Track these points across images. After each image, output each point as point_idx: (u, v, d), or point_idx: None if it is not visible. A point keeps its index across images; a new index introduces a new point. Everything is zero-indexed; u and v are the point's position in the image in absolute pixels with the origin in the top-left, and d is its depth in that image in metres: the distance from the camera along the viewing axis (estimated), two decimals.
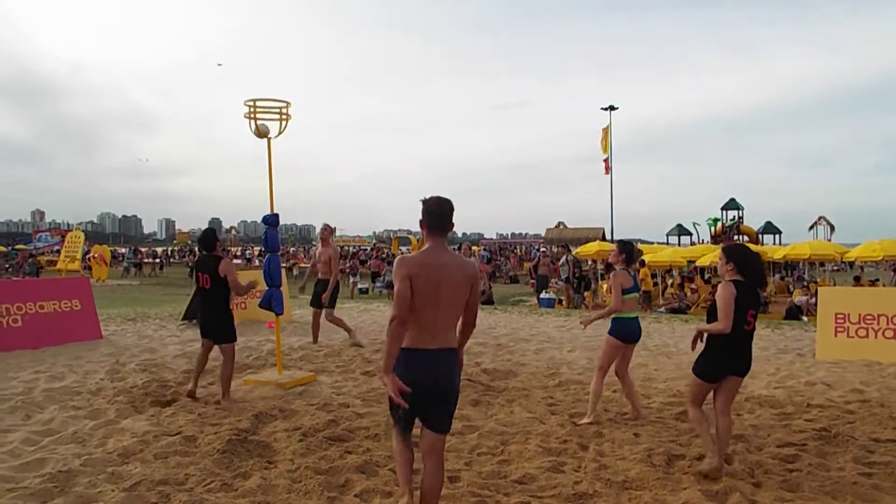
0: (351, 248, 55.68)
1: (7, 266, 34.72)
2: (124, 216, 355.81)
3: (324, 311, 10.33)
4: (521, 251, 56.38)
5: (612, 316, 6.27)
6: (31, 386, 7.48)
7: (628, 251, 6.34)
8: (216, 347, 6.86)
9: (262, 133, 7.39)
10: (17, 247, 50.02)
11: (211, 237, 7.02)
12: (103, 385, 7.60)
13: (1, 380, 7.78)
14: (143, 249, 61.21)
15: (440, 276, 3.60)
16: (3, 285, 12.02)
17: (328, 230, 10.88)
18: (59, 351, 9.75)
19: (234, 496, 4.38)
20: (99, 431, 5.80)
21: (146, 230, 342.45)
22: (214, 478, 4.67)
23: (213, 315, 6.79)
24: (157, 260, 47.61)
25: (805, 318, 16.82)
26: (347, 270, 27.35)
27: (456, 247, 24.84)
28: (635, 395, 6.51)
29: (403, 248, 53.19)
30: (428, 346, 3.64)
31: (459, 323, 3.82)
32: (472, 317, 3.84)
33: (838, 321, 9.68)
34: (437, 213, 3.72)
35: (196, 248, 57.07)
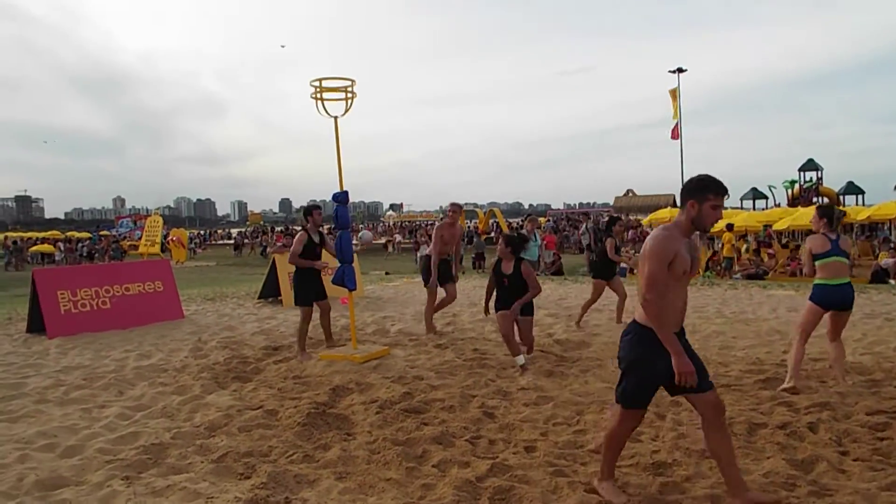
0: (419, 223, 56.09)
1: (93, 252, 36.32)
2: (199, 200, 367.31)
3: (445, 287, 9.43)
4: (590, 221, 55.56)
5: (813, 281, 6.19)
6: (121, 364, 7.86)
7: (828, 215, 6.20)
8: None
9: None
10: (102, 233, 52.29)
11: (304, 213, 8.50)
12: (188, 362, 7.92)
13: (94, 359, 8.20)
14: (218, 231, 63.03)
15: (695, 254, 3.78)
16: (92, 270, 12.62)
17: (459, 210, 9.95)
18: (146, 331, 10.20)
19: (315, 467, 4.51)
20: (186, 406, 6.06)
21: (220, 212, 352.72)
22: (296, 450, 4.81)
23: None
24: (244, 240, 48.89)
25: (892, 282, 16.10)
26: (415, 245, 27.59)
27: (522, 220, 24.61)
28: (840, 363, 6.27)
29: (468, 223, 53.25)
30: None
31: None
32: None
33: None
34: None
35: (267, 229, 57.94)
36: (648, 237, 3.73)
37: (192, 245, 44.20)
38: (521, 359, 7.02)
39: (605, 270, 10.00)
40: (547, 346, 8.31)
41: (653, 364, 3.70)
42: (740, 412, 5.37)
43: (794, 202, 37.03)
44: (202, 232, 72.32)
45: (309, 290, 8.17)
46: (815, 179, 40.15)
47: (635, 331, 3.83)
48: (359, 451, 4.75)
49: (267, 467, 4.44)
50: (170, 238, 36.31)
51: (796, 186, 39.94)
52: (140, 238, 37.51)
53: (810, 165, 40.75)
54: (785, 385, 6.01)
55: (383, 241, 43.19)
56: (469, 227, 48.62)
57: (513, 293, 7.00)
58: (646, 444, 4.80)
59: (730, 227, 21.94)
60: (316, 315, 8.42)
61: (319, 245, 8.25)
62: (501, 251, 7.11)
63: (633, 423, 3.98)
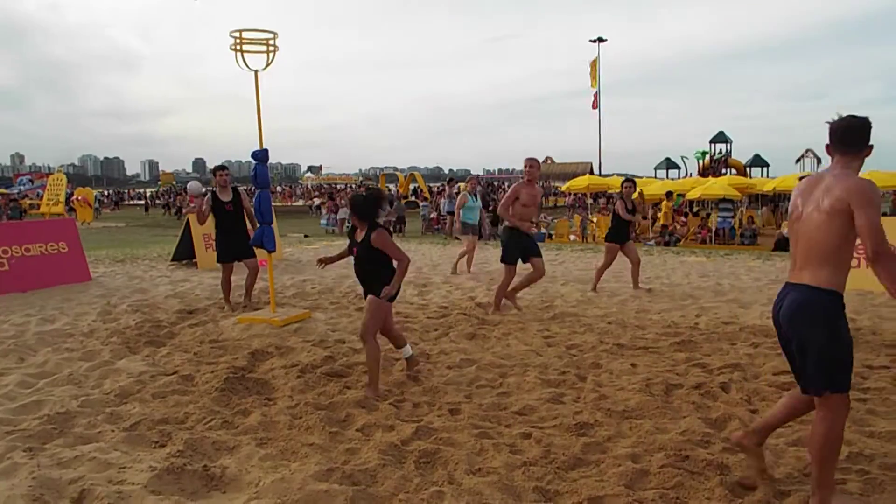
0: (337, 186, 55.36)
1: None
2: (106, 158, 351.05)
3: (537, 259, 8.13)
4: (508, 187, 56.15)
5: None
6: (22, 329, 7.41)
7: None
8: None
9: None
10: None
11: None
12: (96, 327, 7.54)
13: None
14: (123, 191, 60.56)
15: None
16: None
17: (538, 166, 8.20)
18: (49, 293, 9.66)
19: (235, 433, 4.37)
20: (95, 373, 5.76)
21: (129, 172, 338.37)
22: (214, 416, 4.65)
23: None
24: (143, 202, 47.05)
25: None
26: (330, 208, 27.21)
27: (444, 183, 24.60)
28: None
29: (390, 186, 52.91)
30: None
31: None
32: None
33: (860, 252, 9.70)
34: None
35: (179, 189, 56.20)
36: (860, 186, 3.05)
37: (97, 205, 42.13)
38: (407, 349, 5.70)
39: (618, 234, 9.72)
40: (469, 309, 8.33)
41: (847, 334, 3.17)
42: (657, 374, 5.52)
43: (704, 173, 38.36)
44: (108, 192, 69.14)
45: (227, 248, 8.28)
46: (724, 151, 41.69)
47: (825, 301, 3.14)
48: (280, 417, 4.63)
49: (183, 434, 4.26)
50: (74, 197, 34.54)
51: (707, 157, 41.36)
52: (41, 197, 35.53)
53: (721, 138, 42.26)
54: None
55: (304, 203, 42.36)
56: (390, 190, 48.33)
57: (364, 266, 5.36)
58: (568, 405, 4.87)
59: (669, 194, 22.55)
60: (240, 274, 8.44)
61: (230, 203, 8.31)
62: (352, 217, 5.48)
63: (847, 410, 3.26)
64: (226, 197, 8.32)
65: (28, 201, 40.71)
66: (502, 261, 8.09)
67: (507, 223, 8.05)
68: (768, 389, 5.13)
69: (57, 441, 4.24)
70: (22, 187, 50.37)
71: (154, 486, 3.56)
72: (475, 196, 12.37)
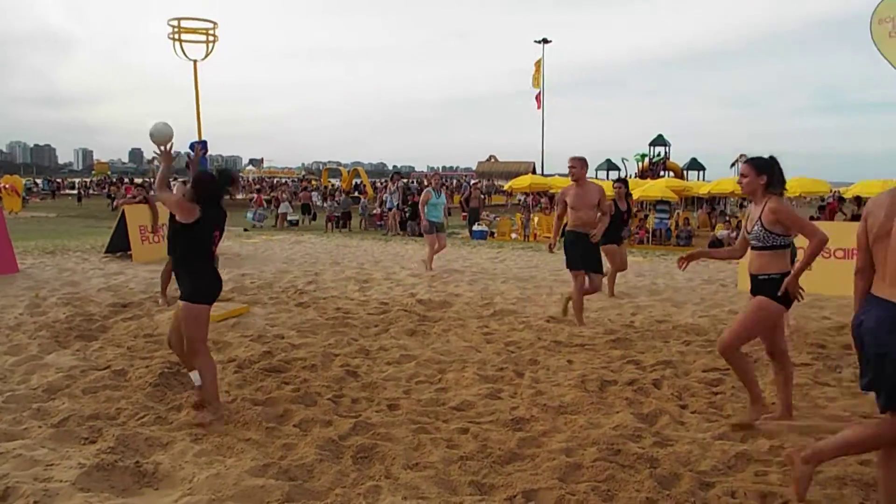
0: (279, 180, 54.62)
1: None
2: (36, 145, 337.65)
3: (597, 277, 7.62)
4: (452, 184, 56.36)
5: None
6: None
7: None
8: None
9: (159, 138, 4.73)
10: None
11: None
12: (23, 320, 7.29)
13: None
14: (58, 180, 58.55)
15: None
16: None
17: (583, 165, 7.46)
18: None
19: (169, 429, 4.29)
20: (21, 367, 5.57)
21: (61, 160, 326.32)
22: (148, 411, 4.56)
23: None
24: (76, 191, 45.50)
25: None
26: (273, 203, 26.96)
27: (388, 179, 24.58)
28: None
29: (333, 180, 52.45)
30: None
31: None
32: None
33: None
34: None
35: (115, 180, 54.46)
36: None
37: (25, 195, 40.51)
38: (195, 376, 4.53)
39: (613, 235, 8.91)
40: (410, 305, 8.36)
41: None
42: (593, 370, 5.65)
43: (643, 174, 39.20)
44: (38, 181, 66.64)
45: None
46: (663, 154, 42.68)
47: None
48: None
49: (115, 430, 4.17)
50: (1, 185, 33.17)
51: (646, 160, 42.27)
52: None
53: (659, 141, 43.22)
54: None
55: (244, 196, 41.59)
56: (333, 184, 47.93)
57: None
58: (505, 401, 4.94)
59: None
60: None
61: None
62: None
63: None
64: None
65: None
66: (567, 267, 7.60)
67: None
68: (698, 385, 5.31)
69: None
70: None
71: (83, 484, 3.47)
72: (438, 192, 11.99)
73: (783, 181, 4.31)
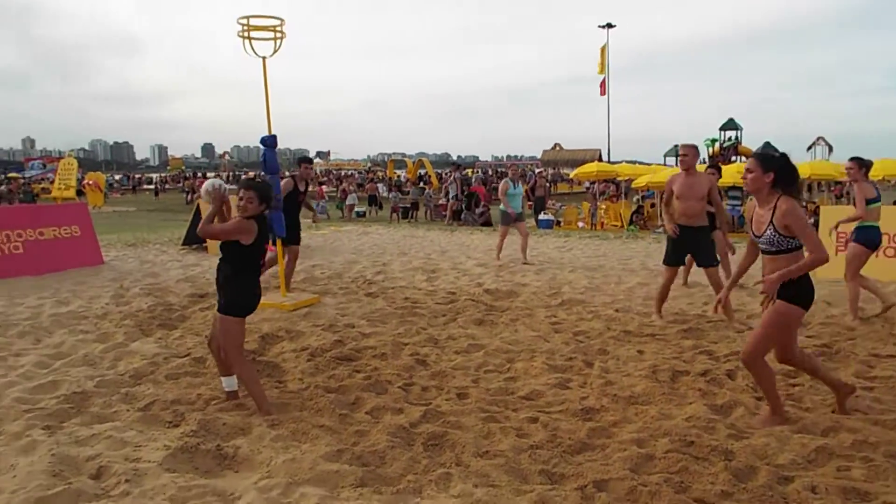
0: (345, 172, 55.41)
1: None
2: (116, 143, 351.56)
3: (709, 269, 7.14)
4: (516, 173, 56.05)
5: (857, 224, 6.82)
6: (37, 311, 7.52)
7: (868, 165, 6.93)
8: None
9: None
10: (11, 175, 49.47)
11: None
12: (109, 309, 7.65)
13: (7, 305, 7.81)
14: (137, 176, 60.83)
15: None
16: (3, 213, 11.95)
17: (693, 153, 7.05)
18: (62, 277, 9.77)
19: (246, 415, 4.45)
20: (109, 354, 5.86)
21: (139, 157, 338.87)
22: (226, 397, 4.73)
23: None
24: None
25: None
26: (341, 195, 27.38)
27: (451, 169, 24.60)
28: (877, 290, 7.14)
29: (399, 172, 52.89)
30: None
31: None
32: None
33: (839, 240, 9.69)
34: None
35: (189, 174, 56.10)
36: None
37: (107, 191, 42.26)
38: (227, 381, 4.72)
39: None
40: (477, 295, 8.39)
41: None
42: (664, 360, 5.57)
43: (714, 160, 38.19)
44: (118, 177, 69.46)
45: (291, 234, 8.24)
46: (734, 138, 41.45)
47: None
48: (291, 399, 4.71)
49: (196, 415, 4.35)
50: (85, 182, 34.70)
51: (716, 145, 41.14)
52: (53, 181, 35.71)
53: (730, 125, 42.00)
54: (850, 323, 6.71)
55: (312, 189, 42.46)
56: (398, 176, 48.35)
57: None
58: (575, 391, 4.93)
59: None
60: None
61: (303, 194, 8.52)
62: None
63: None
64: (302, 187, 8.51)
65: (39, 186, 40.97)
66: (663, 262, 7.32)
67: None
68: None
69: (74, 420, 4.34)
70: (32, 172, 50.56)
71: (169, 465, 3.65)
72: (516, 183, 11.75)
73: (794, 180, 4.12)
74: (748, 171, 4.14)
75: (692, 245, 7.01)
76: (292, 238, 8.27)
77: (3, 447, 3.90)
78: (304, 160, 8.96)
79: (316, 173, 57.92)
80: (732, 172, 23.66)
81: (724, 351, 5.81)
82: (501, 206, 11.67)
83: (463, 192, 22.49)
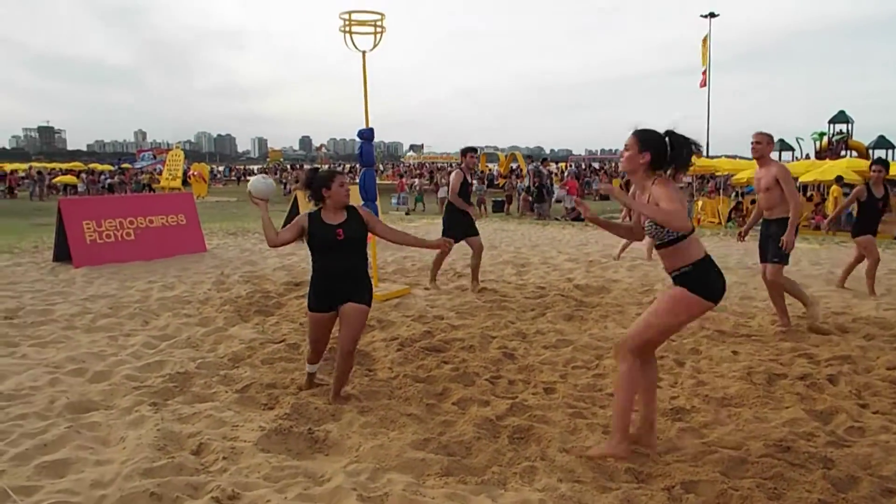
0: (437, 165, 55.81)
1: (109, 184, 36.49)
2: (219, 135, 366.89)
3: (768, 267, 6.55)
4: (611, 168, 55.02)
5: None
6: (146, 295, 7.98)
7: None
8: None
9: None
10: (124, 165, 52.48)
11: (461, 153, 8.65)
12: (211, 295, 8.02)
13: (119, 288, 8.33)
14: (240, 167, 63.20)
15: None
16: (116, 201, 12.72)
17: (768, 142, 6.55)
18: (169, 263, 10.31)
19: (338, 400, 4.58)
20: (210, 337, 6.16)
21: (240, 149, 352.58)
22: (320, 383, 4.89)
23: None
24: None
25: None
26: (435, 186, 27.65)
27: (538, 162, 24.39)
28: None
29: (490, 165, 52.83)
30: None
31: None
32: None
33: None
34: None
35: (289, 166, 57.74)
36: None
37: (216, 179, 44.06)
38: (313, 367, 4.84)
39: (866, 225, 8.17)
40: (567, 290, 8.32)
41: None
42: (760, 362, 5.38)
43: (821, 155, 36.27)
44: (221, 168, 72.52)
45: (461, 227, 8.36)
46: (844, 132, 39.22)
47: None
48: (380, 387, 4.82)
49: (290, 399, 4.52)
50: (191, 173, 36.42)
51: (825, 139, 39.05)
52: (161, 172, 37.66)
53: (841, 118, 39.70)
54: None
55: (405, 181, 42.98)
56: (491, 170, 48.31)
57: (350, 254, 4.51)
58: (665, 390, 4.83)
59: (839, 179, 21.04)
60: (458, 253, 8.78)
61: (471, 185, 8.61)
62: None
63: None
64: (470, 178, 8.54)
65: (149, 175, 43.23)
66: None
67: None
68: (881, 384, 4.89)
69: (178, 398, 4.59)
70: (143, 163, 53.42)
71: (263, 445, 3.81)
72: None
73: (677, 160, 3.60)
74: (625, 148, 3.68)
75: (767, 239, 6.56)
76: (469, 231, 8.38)
77: (115, 420, 4.17)
78: (469, 150, 8.70)
79: (410, 166, 58.67)
80: (842, 168, 22.48)
81: (825, 355, 5.55)
82: None
83: (535, 185, 22.34)
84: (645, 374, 3.81)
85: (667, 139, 3.60)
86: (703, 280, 3.64)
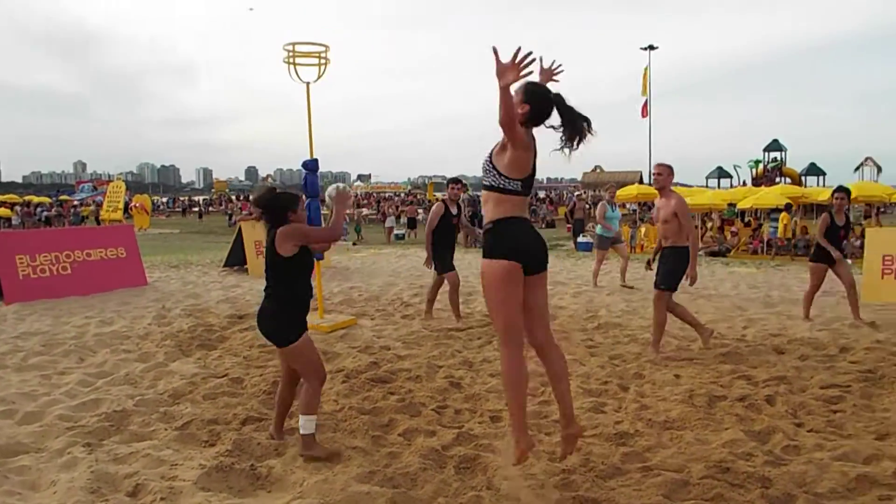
0: (385, 195, 55.87)
1: (44, 217, 35.49)
2: (163, 166, 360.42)
3: (654, 291, 6.70)
4: (556, 196, 55.92)
5: None
6: (82, 331, 7.72)
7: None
8: None
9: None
10: (62, 197, 51.08)
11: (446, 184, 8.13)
12: (151, 329, 7.81)
13: (54, 325, 8.05)
14: (188, 199, 62.14)
15: None
16: (52, 234, 12.34)
17: (669, 173, 6.65)
18: (107, 297, 10.02)
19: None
20: (149, 374, 5.99)
21: (184, 179, 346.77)
22: (262, 418, 4.79)
23: None
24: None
25: (850, 262, 16.46)
26: (380, 216, 27.59)
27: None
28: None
29: (438, 194, 53.20)
30: None
31: None
32: None
33: (886, 263, 9.48)
34: None
35: (234, 197, 57.12)
36: None
37: (159, 210, 43.30)
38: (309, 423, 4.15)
39: (827, 254, 8.06)
40: None
41: None
42: (701, 385, 5.49)
43: (757, 182, 37.57)
44: (165, 199, 71.23)
45: (445, 262, 8.11)
46: (778, 160, 40.77)
47: None
48: (325, 420, 4.75)
49: (232, 435, 4.42)
50: (132, 204, 35.66)
51: (760, 166, 40.50)
52: (101, 204, 36.75)
53: (774, 146, 41.35)
54: None
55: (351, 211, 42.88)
56: (437, 198, 48.53)
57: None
58: (609, 415, 4.88)
59: (788, 207, 21.64)
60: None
61: (456, 217, 8.14)
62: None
63: None
64: (454, 210, 8.14)
65: (89, 208, 42.16)
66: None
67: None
68: (815, 403, 5.05)
69: (114, 438, 4.44)
70: (82, 194, 52.11)
71: (204, 483, 3.71)
72: (614, 206, 11.72)
73: (570, 127, 3.50)
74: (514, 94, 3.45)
75: (660, 265, 6.66)
76: (447, 266, 8.04)
77: (46, 463, 4.01)
78: (453, 181, 8.34)
79: (358, 196, 58.56)
80: (776, 194, 23.33)
81: (763, 376, 5.70)
82: (599, 230, 11.56)
83: (468, 214, 22.56)
84: (546, 366, 3.73)
85: (553, 102, 3.52)
86: (493, 240, 3.54)
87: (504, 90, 3.19)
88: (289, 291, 4.22)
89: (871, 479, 3.70)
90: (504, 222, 3.50)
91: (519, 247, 3.47)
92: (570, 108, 3.51)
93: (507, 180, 3.49)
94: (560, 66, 3.75)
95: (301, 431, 4.12)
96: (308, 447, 4.09)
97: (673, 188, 6.79)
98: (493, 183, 3.52)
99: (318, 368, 4.28)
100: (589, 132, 3.52)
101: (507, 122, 3.29)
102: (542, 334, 3.64)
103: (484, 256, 3.53)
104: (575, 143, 3.50)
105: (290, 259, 4.17)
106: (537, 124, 3.52)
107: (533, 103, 3.47)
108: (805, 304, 8.36)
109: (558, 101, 3.52)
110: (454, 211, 8.05)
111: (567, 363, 3.80)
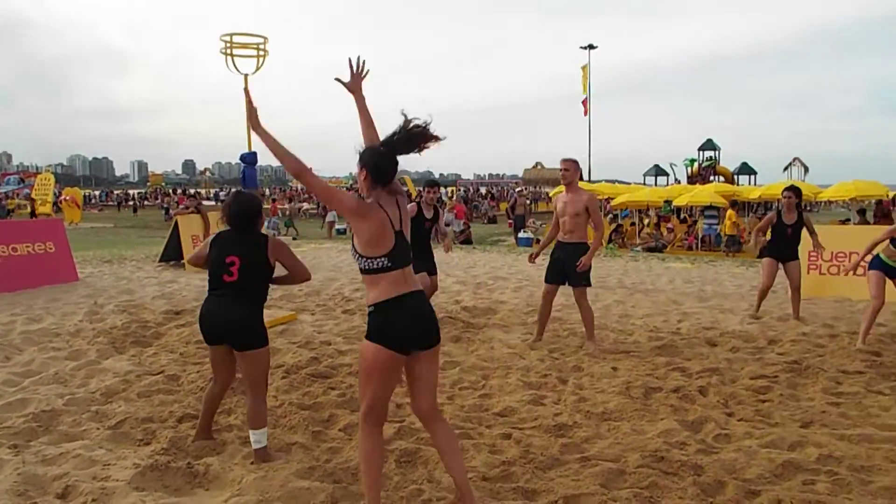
0: None
1: None
2: (95, 158, 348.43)
3: (576, 290, 6.72)
4: (497, 192, 56.35)
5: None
6: (8, 328, 7.42)
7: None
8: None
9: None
10: None
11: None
12: (82, 326, 7.56)
13: None
14: (116, 192, 60.30)
15: None
16: None
17: (576, 168, 6.88)
18: (36, 294, 9.65)
19: (216, 431, 4.42)
20: (80, 372, 5.80)
21: (118, 172, 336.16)
22: (199, 415, 4.69)
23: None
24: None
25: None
26: (320, 210, 27.37)
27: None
28: None
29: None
30: None
31: None
32: None
33: (811, 259, 9.85)
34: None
35: (171, 191, 55.81)
36: None
37: (92, 204, 41.89)
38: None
39: (784, 251, 8.15)
40: (455, 312, 8.41)
41: None
42: (638, 377, 5.62)
43: (692, 180, 38.61)
44: (97, 193, 68.97)
45: (419, 260, 7.35)
46: (712, 159, 41.98)
47: None
48: None
49: (168, 433, 4.32)
50: (62, 197, 34.40)
51: (695, 165, 41.63)
52: (29, 197, 35.35)
53: (709, 145, 42.56)
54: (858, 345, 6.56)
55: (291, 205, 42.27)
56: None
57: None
58: (548, 407, 4.96)
59: (733, 203, 21.99)
60: None
61: (430, 221, 7.64)
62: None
63: None
64: (429, 214, 7.68)
65: (15, 202, 40.46)
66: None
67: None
68: (745, 393, 5.24)
69: (42, 438, 4.29)
70: (8, 187, 50.00)
71: (138, 483, 3.62)
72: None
73: (400, 145, 3.18)
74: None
75: (569, 263, 6.60)
76: (425, 266, 7.40)
77: None
78: (429, 184, 7.87)
79: (298, 190, 57.81)
80: (710, 192, 24.01)
81: (696, 368, 5.87)
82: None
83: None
84: (434, 439, 3.46)
85: (381, 147, 3.21)
86: (375, 324, 3.22)
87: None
88: (265, 296, 4.22)
89: (795, 465, 3.86)
90: (383, 306, 3.17)
91: (398, 334, 3.16)
92: (395, 134, 3.17)
93: (369, 260, 3.15)
94: (364, 61, 3.46)
95: (256, 447, 3.97)
96: (266, 458, 3.96)
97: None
98: (360, 266, 3.21)
99: (267, 376, 4.22)
100: (434, 139, 3.19)
101: (323, 196, 3.27)
102: (426, 405, 3.35)
103: (365, 337, 3.25)
104: (420, 151, 3.20)
105: (273, 269, 4.22)
106: (387, 182, 3.20)
107: (368, 165, 3.18)
108: (758, 300, 8.41)
109: (388, 141, 3.19)
110: (428, 215, 7.61)
111: (456, 438, 3.49)
